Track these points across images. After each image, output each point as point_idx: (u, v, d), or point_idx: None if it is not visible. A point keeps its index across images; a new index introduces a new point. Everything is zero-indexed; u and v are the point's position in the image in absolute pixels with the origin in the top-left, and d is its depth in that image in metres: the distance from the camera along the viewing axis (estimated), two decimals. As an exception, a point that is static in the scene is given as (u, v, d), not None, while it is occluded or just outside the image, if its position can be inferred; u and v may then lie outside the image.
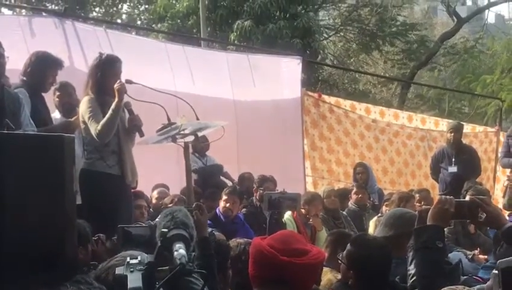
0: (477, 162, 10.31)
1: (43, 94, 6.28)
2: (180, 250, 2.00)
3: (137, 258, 1.83)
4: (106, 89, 5.85)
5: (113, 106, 5.74)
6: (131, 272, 1.77)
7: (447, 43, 25.22)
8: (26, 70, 6.11)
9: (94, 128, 5.76)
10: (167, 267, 1.89)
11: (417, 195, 8.48)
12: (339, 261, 4.07)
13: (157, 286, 1.78)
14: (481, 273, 4.41)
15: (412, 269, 3.43)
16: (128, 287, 1.71)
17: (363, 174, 9.76)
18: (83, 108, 5.88)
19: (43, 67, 6.11)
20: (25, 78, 6.09)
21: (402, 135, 12.27)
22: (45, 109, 6.25)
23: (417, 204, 7.89)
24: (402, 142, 12.24)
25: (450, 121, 11.92)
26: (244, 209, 7.84)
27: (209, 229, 4.50)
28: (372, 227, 7.66)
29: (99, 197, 5.71)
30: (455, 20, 24.68)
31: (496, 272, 2.91)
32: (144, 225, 4.13)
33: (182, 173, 6.33)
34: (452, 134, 10.07)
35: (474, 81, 22.24)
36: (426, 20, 30.92)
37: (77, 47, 8.33)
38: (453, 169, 9.92)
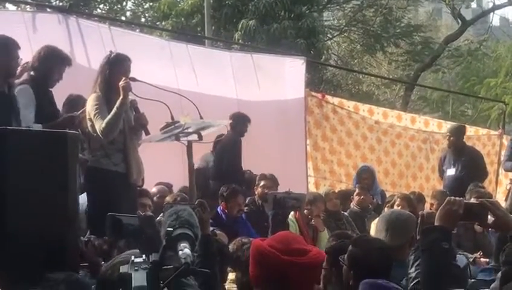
0: (480, 164, 10.03)
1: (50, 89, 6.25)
2: (185, 249, 2.00)
3: (141, 257, 1.82)
4: (113, 87, 5.85)
5: (117, 104, 5.75)
6: (136, 270, 1.77)
7: (451, 46, 25.16)
8: (34, 64, 6.10)
9: (99, 126, 5.76)
10: (172, 267, 1.88)
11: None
12: (341, 263, 4.06)
13: (162, 285, 1.78)
14: (480, 276, 4.40)
15: (413, 272, 3.41)
16: (133, 285, 1.70)
17: (368, 180, 9.65)
18: (90, 105, 5.89)
19: (49, 63, 6.09)
20: (32, 73, 6.09)
21: (404, 136, 12.25)
22: (51, 105, 6.21)
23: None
24: (404, 144, 12.22)
25: (453, 123, 11.89)
26: (246, 208, 7.81)
27: (211, 228, 4.50)
28: (374, 229, 7.64)
29: (103, 195, 5.71)
30: (460, 22, 24.62)
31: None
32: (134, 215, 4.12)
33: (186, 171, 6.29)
34: (449, 137, 10.00)
35: (478, 84, 22.25)
36: (431, 22, 30.87)
37: (80, 43, 8.36)
38: (451, 172, 9.80)
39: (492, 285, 3.22)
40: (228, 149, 8.83)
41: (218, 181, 8.26)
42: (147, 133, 5.99)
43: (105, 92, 5.90)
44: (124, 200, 5.74)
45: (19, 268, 3.01)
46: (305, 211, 7.42)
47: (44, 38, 7.31)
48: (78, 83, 7.31)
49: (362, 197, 8.73)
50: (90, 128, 5.88)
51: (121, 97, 5.76)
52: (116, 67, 5.94)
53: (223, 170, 8.61)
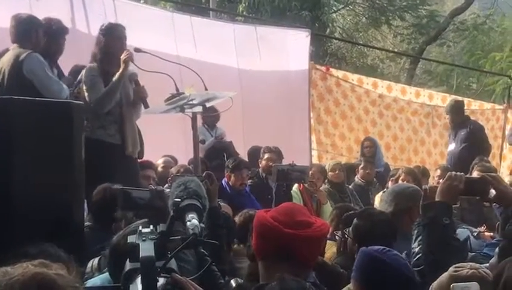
0: (480, 137, 9.86)
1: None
2: (193, 220, 2.00)
3: (149, 227, 1.82)
4: (111, 57, 5.85)
5: (116, 76, 5.77)
6: (144, 241, 1.77)
7: (457, 19, 24.95)
8: None
9: (94, 97, 5.76)
10: (179, 237, 1.88)
11: (438, 170, 8.40)
12: (345, 236, 4.07)
13: (169, 255, 1.78)
14: (486, 251, 4.40)
15: (416, 247, 3.41)
16: (140, 255, 1.70)
17: (370, 149, 9.73)
18: (85, 76, 5.89)
19: (49, 37, 6.09)
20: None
21: (407, 111, 12.23)
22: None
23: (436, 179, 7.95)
24: (406, 118, 12.22)
25: (458, 98, 11.85)
26: (250, 181, 7.81)
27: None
28: (378, 202, 7.66)
29: (97, 165, 5.69)
30: (466, -4, 24.40)
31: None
32: (145, 189, 4.11)
33: (189, 143, 6.28)
34: (447, 115, 9.99)
35: (483, 58, 22.07)
36: (437, -6, 30.55)
37: (81, 12, 8.35)
38: (451, 147, 9.79)
39: (491, 260, 3.22)
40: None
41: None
42: (146, 106, 5.99)
43: (102, 63, 5.90)
44: (119, 171, 5.70)
45: (26, 240, 3.00)
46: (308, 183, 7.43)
47: (46, 7, 7.30)
48: (78, 50, 7.29)
49: (367, 171, 8.74)
50: (86, 98, 5.87)
51: (121, 69, 5.77)
52: (110, 36, 5.98)
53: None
